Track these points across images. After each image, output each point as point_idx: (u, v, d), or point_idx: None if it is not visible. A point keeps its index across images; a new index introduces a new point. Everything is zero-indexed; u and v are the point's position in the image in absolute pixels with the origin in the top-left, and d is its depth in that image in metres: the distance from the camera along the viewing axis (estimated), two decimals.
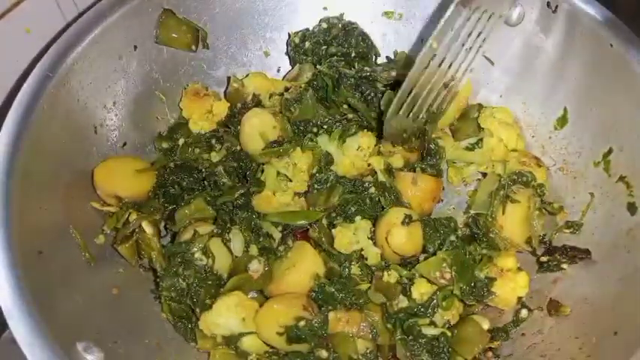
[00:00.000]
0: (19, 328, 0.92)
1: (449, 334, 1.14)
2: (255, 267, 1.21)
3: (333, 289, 1.18)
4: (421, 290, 1.16)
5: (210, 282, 1.18)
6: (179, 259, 1.18)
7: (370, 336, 1.16)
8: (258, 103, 1.39)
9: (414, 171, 1.32)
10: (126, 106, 1.31)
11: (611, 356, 1.04)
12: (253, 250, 1.23)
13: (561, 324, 1.17)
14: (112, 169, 1.25)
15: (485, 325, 1.15)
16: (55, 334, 0.93)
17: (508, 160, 1.33)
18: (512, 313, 1.23)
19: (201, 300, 1.16)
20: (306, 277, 1.20)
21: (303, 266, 1.21)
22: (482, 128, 1.35)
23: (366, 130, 1.29)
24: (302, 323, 1.12)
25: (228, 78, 1.43)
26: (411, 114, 1.20)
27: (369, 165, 1.29)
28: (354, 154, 1.27)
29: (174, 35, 1.34)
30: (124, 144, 1.32)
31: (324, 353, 1.14)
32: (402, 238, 1.20)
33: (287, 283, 1.20)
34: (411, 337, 1.14)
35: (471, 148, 1.36)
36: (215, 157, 1.34)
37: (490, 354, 1.18)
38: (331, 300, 1.18)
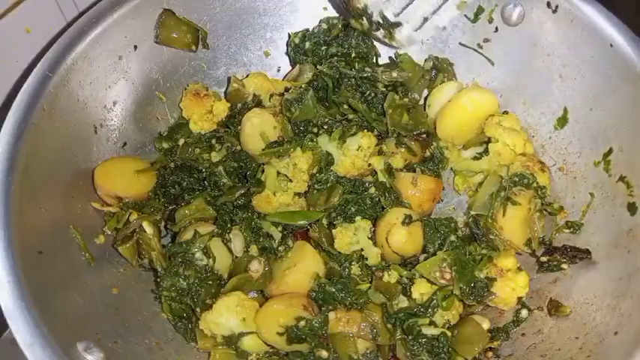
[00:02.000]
0: (19, 328, 0.92)
1: (449, 334, 1.14)
2: (256, 267, 1.21)
3: (333, 289, 1.18)
4: (421, 290, 1.16)
5: (210, 282, 1.18)
6: (179, 259, 1.18)
7: (370, 336, 1.15)
8: (258, 103, 1.39)
9: (414, 171, 1.32)
10: (126, 106, 1.31)
11: (611, 356, 1.04)
12: (253, 250, 1.23)
13: (561, 324, 1.17)
14: (112, 169, 1.25)
15: (486, 325, 1.15)
16: (55, 334, 0.93)
17: (512, 163, 1.31)
18: (512, 313, 1.22)
19: (201, 300, 1.16)
20: (306, 277, 1.20)
21: (303, 266, 1.21)
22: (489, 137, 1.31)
23: (366, 130, 1.29)
24: (302, 323, 1.12)
25: (229, 78, 1.43)
26: None
27: (369, 165, 1.29)
28: (355, 154, 1.27)
29: (174, 35, 1.34)
30: (124, 144, 1.33)
31: (324, 353, 1.14)
32: (402, 238, 1.20)
33: (287, 283, 1.20)
34: (411, 337, 1.14)
35: (478, 157, 1.35)
36: (215, 157, 1.34)
37: (490, 354, 1.18)
38: (331, 300, 1.18)
